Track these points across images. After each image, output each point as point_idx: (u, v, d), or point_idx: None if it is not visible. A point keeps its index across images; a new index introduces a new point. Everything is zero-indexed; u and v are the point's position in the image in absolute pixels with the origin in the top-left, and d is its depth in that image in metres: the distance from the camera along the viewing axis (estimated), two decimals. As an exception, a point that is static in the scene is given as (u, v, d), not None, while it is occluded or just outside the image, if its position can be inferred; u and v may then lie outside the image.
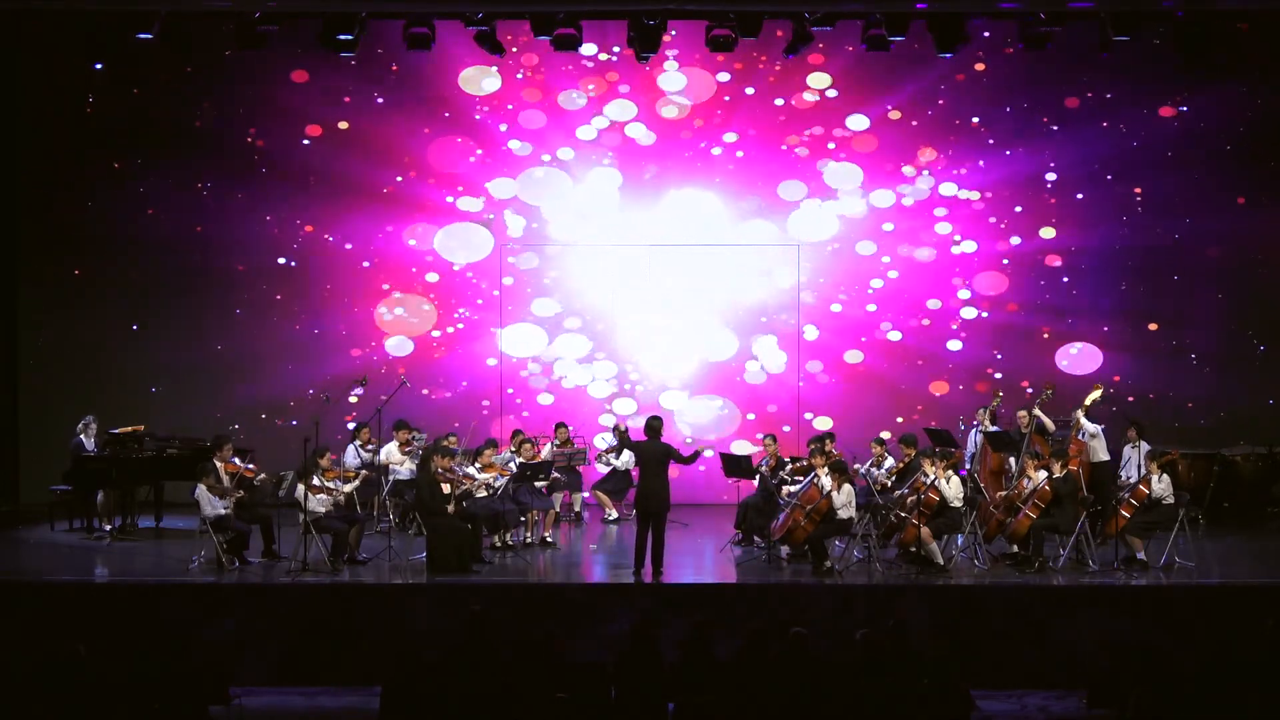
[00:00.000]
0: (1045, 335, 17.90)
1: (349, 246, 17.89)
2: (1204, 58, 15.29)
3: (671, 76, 17.75)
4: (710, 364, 18.06)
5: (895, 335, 17.97)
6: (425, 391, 17.73)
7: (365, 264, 17.90)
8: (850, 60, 17.53)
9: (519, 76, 17.72)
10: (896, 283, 17.96)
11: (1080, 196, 17.80)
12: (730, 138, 17.85)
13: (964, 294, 17.91)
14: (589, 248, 18.01)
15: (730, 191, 17.92)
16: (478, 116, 17.80)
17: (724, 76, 17.75)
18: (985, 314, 17.90)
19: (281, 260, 17.88)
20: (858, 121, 17.81)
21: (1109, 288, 17.89)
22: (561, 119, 17.82)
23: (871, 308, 17.99)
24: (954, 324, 17.92)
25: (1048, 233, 17.83)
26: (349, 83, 17.61)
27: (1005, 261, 17.90)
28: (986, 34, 17.44)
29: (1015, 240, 17.88)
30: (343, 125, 17.70)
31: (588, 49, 17.24)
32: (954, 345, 17.87)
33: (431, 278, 17.94)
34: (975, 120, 17.79)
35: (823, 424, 17.55)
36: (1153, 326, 17.87)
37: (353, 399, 17.24)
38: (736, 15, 14.90)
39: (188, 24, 15.23)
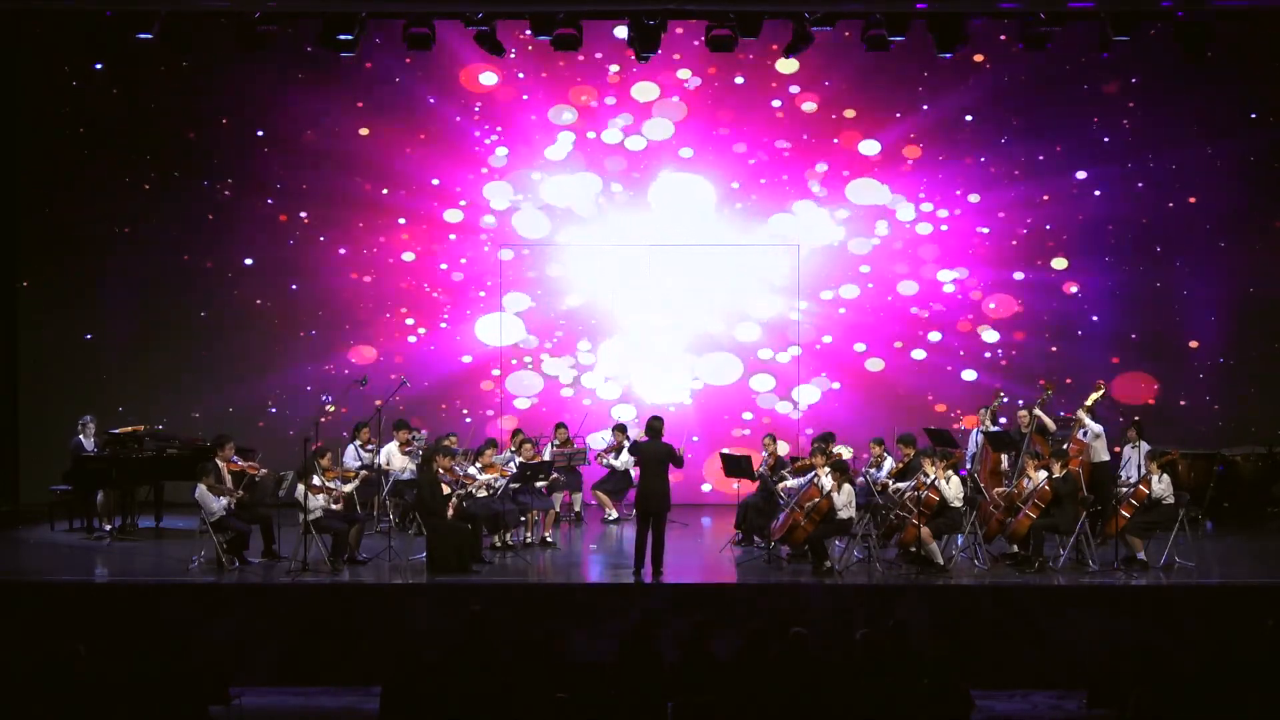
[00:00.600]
0: (1053, 350, 17.87)
1: (342, 251, 17.92)
2: (1202, 57, 15.27)
3: (669, 77, 17.75)
4: (713, 388, 18.06)
5: (920, 354, 17.94)
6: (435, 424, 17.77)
7: (367, 278, 17.95)
8: (857, 68, 17.53)
9: (520, 76, 17.71)
10: (897, 302, 17.98)
11: (1098, 194, 17.76)
12: (713, 137, 17.91)
13: (929, 326, 17.97)
14: (581, 248, 17.98)
15: (728, 195, 17.92)
16: (478, 107, 17.82)
17: (696, 81, 17.73)
18: (997, 336, 17.91)
19: (281, 263, 17.91)
20: (869, 147, 17.82)
21: (1118, 303, 17.87)
22: (555, 123, 17.83)
23: (840, 341, 18.04)
24: (964, 351, 17.91)
25: (1060, 263, 17.81)
26: (350, 84, 17.60)
27: (1017, 276, 17.91)
28: (1003, 36, 17.37)
29: (1019, 275, 17.89)
30: (364, 131, 17.70)
31: (619, 31, 17.22)
32: (969, 375, 17.73)
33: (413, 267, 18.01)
34: (1002, 141, 17.81)
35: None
36: (1193, 344, 17.82)
37: (329, 408, 17.18)
38: (736, 15, 14.88)
39: (188, 24, 15.22)
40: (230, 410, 17.60)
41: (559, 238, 17.98)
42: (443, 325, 18.02)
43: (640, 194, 17.96)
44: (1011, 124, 17.76)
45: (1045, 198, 17.79)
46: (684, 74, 17.78)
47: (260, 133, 17.75)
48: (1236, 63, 17.07)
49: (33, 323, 17.92)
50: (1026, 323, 17.92)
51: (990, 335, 17.90)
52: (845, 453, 14.63)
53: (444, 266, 17.96)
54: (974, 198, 17.83)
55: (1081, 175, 17.76)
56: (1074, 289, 17.84)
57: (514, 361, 18.02)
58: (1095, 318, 17.86)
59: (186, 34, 15.29)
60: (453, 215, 17.91)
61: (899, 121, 17.76)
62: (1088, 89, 17.60)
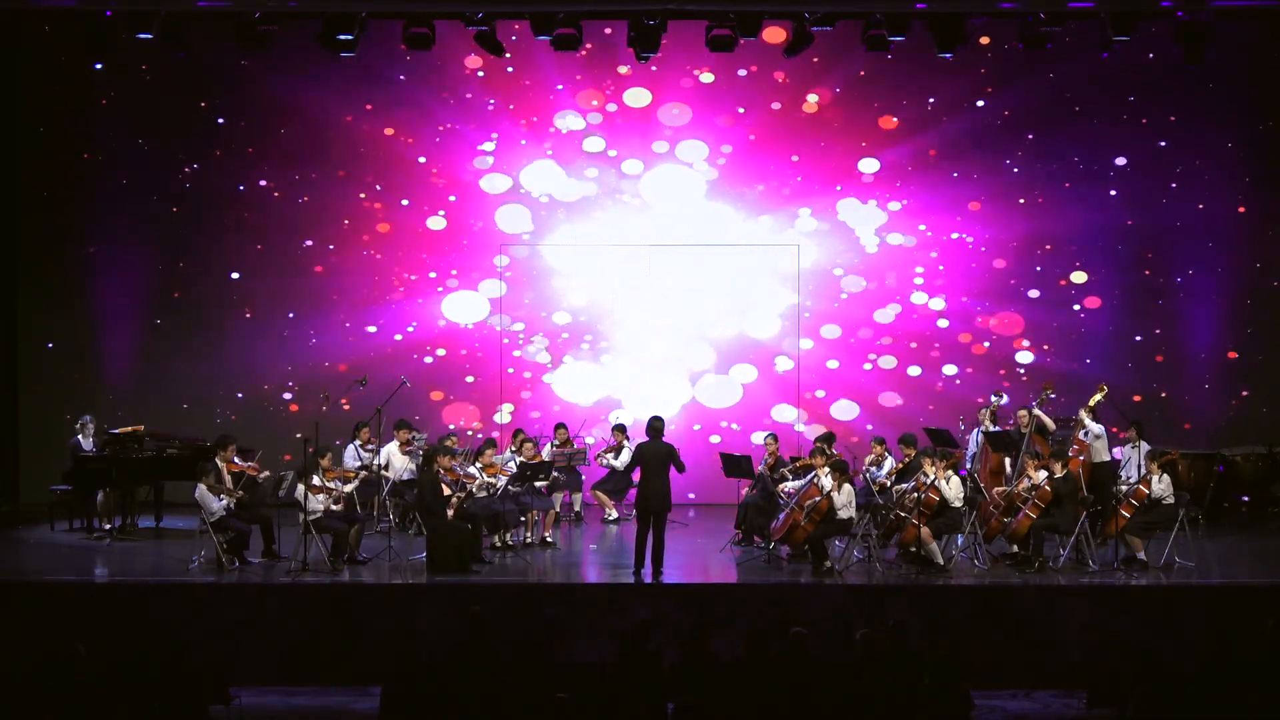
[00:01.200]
0: (1045, 348, 17.85)
1: (331, 248, 17.91)
2: (1202, 57, 15.26)
3: (671, 76, 17.73)
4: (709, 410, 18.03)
5: (951, 369, 17.87)
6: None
7: (362, 280, 17.97)
8: (864, 69, 17.54)
9: (509, 70, 17.53)
10: (904, 320, 17.96)
11: (1114, 193, 17.73)
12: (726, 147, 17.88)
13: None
14: (574, 248, 17.91)
15: (727, 195, 17.89)
16: (491, 102, 17.77)
17: (707, 78, 17.69)
18: (1031, 358, 17.84)
19: (275, 265, 17.92)
20: (868, 165, 17.75)
21: (1125, 306, 17.85)
22: (554, 121, 17.81)
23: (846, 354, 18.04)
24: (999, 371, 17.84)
25: (1079, 277, 17.76)
26: (349, 83, 17.54)
27: (1034, 295, 17.89)
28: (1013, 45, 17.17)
29: (1034, 293, 17.84)
30: (389, 131, 17.65)
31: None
32: (998, 398, 17.26)
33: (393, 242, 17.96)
34: (1012, 167, 17.76)
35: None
36: (1232, 355, 17.78)
37: (293, 406, 17.13)
38: (736, 15, 14.89)
39: (188, 24, 15.24)
40: (237, 415, 17.64)
41: (554, 238, 17.91)
42: (410, 328, 17.96)
43: (637, 193, 17.91)
44: (1026, 137, 17.70)
45: (1022, 200, 17.73)
46: (701, 76, 17.70)
47: (259, 133, 17.74)
48: (1245, 62, 17.06)
49: (33, 323, 17.90)
50: (1045, 337, 17.84)
51: (1025, 356, 17.82)
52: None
53: (433, 275, 17.92)
54: (974, 205, 17.77)
55: (1117, 168, 17.66)
56: (1094, 301, 17.78)
57: (510, 371, 17.97)
58: (1127, 336, 17.87)
59: (186, 34, 15.32)
60: (441, 219, 17.88)
61: (907, 126, 17.71)
62: (1094, 92, 17.55)
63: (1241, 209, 17.73)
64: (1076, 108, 17.60)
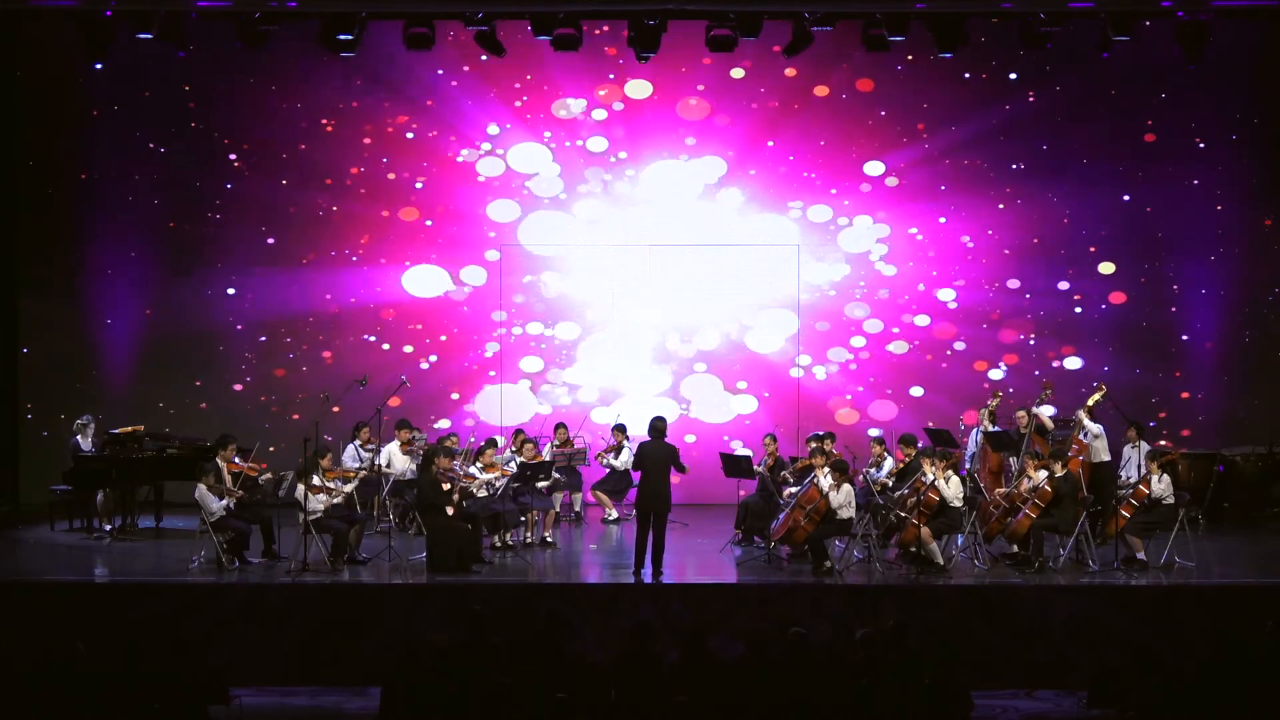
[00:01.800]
0: (1027, 337, 17.84)
1: (354, 258, 17.89)
2: (1201, 57, 15.27)
3: (670, 74, 17.70)
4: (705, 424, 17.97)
5: (997, 373, 17.78)
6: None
7: (358, 285, 17.97)
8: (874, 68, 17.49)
9: (485, 59, 17.12)
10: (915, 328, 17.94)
11: (1126, 199, 17.68)
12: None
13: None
14: (564, 248, 17.87)
15: (731, 199, 17.85)
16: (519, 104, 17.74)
17: (737, 73, 17.60)
18: (1080, 363, 17.73)
19: (278, 259, 17.92)
20: (873, 170, 17.71)
21: (1125, 305, 17.81)
22: (556, 115, 17.79)
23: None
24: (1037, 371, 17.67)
25: (1106, 268, 17.69)
26: (341, 79, 17.52)
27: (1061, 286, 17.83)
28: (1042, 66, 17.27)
29: (1063, 285, 17.79)
30: (400, 121, 17.58)
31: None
32: (1047, 410, 16.37)
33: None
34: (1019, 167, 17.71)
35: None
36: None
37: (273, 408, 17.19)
38: (736, 15, 14.90)
39: (188, 23, 15.24)
40: (238, 414, 17.60)
41: (550, 236, 17.87)
42: (379, 333, 17.98)
43: (634, 193, 17.87)
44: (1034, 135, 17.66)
45: (1012, 201, 17.73)
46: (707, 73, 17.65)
47: (257, 132, 17.72)
48: (1255, 62, 17.08)
49: (33, 323, 17.89)
50: (1057, 337, 17.79)
51: (1073, 362, 17.70)
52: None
53: (416, 292, 17.92)
54: (1002, 211, 17.75)
55: (1125, 170, 17.64)
56: (1118, 297, 17.72)
57: (485, 382, 17.96)
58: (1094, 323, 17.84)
59: (186, 33, 15.33)
60: (431, 217, 17.87)
61: (921, 127, 17.68)
62: (1099, 93, 17.52)
63: (1268, 221, 17.69)
64: (1083, 109, 17.57)
